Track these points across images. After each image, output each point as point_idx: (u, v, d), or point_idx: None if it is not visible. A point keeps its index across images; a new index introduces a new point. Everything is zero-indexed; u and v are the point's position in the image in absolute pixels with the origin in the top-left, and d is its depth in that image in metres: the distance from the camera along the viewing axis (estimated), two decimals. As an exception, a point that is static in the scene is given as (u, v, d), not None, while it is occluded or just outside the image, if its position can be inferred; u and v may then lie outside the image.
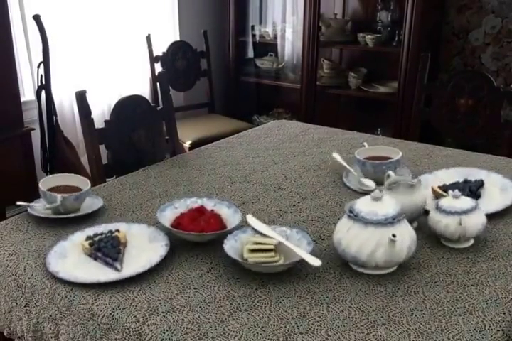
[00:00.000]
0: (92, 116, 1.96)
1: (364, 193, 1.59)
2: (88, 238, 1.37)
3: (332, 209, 1.60)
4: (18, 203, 1.56)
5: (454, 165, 1.91)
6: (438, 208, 1.38)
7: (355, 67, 3.77)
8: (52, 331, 1.24)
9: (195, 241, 1.39)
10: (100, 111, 3.22)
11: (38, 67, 2.68)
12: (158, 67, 3.47)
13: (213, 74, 3.77)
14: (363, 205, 1.27)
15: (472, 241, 1.40)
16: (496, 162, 1.97)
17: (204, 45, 3.66)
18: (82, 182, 1.61)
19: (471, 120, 2.50)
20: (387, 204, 1.26)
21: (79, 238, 1.39)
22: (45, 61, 2.66)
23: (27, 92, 3.04)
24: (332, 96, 3.90)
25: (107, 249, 1.31)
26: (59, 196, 1.52)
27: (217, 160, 2.01)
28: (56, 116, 2.82)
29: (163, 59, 3.49)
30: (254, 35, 4.02)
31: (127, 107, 2.04)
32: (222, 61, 4.04)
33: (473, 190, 1.62)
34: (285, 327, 1.09)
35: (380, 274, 1.26)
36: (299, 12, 3.73)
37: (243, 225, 1.43)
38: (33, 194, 1.60)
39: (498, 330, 1.09)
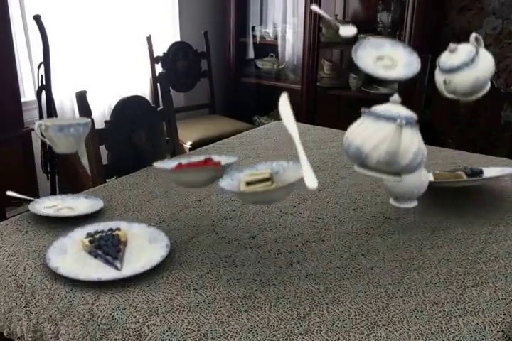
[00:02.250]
0: (93, 116, 1.96)
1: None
2: (88, 235, 1.37)
3: (332, 211, 1.60)
4: (8, 193, 1.53)
5: (454, 166, 1.91)
6: (438, 64, 1.39)
7: (356, 68, 3.76)
8: (52, 331, 1.23)
9: (193, 180, 1.33)
10: (100, 111, 3.22)
11: (39, 67, 2.68)
12: (159, 68, 3.47)
13: (214, 74, 3.77)
14: (381, 106, 1.28)
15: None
16: (497, 163, 1.97)
17: (205, 46, 3.66)
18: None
19: (472, 121, 2.50)
20: (404, 109, 1.27)
21: (78, 235, 1.39)
22: (46, 61, 2.66)
23: (27, 92, 3.04)
24: (332, 97, 3.90)
25: (107, 247, 1.31)
26: (37, 123, 1.42)
27: (217, 160, 2.01)
28: (56, 116, 2.82)
29: (164, 59, 3.49)
30: (254, 36, 4.03)
31: (128, 108, 2.04)
32: (223, 62, 4.05)
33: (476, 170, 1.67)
34: (285, 328, 1.09)
35: (378, 177, 1.27)
36: (300, 13, 3.73)
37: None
38: (33, 194, 1.59)
39: (498, 331, 1.08)
